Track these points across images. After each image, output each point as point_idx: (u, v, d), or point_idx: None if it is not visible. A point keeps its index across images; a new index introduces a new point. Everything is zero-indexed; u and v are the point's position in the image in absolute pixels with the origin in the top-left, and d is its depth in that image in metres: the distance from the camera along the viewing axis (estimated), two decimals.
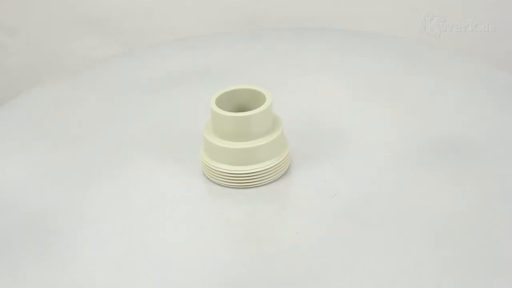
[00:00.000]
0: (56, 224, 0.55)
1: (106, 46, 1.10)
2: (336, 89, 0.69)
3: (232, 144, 0.55)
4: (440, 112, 0.64)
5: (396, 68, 0.72)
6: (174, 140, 0.62)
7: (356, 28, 1.01)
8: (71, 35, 1.11)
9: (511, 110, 0.65)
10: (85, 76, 0.76)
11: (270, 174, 0.56)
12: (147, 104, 0.69)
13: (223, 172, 0.56)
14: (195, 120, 0.63)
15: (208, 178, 0.57)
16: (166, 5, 1.08)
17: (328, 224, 0.53)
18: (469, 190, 0.55)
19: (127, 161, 0.60)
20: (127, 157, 0.61)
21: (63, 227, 0.54)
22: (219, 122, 0.55)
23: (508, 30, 1.05)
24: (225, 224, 0.54)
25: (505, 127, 0.63)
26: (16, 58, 1.13)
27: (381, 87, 0.69)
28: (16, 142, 0.65)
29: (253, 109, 0.56)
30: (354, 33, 0.81)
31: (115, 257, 0.51)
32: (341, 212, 0.54)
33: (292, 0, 1.07)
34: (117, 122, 0.66)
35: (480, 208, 0.54)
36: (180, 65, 0.76)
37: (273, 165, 0.56)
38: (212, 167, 0.56)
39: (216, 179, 0.57)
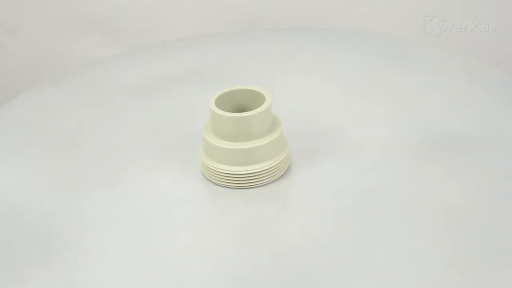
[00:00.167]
0: (59, 229, 0.54)
1: (106, 46, 1.10)
2: (335, 88, 0.69)
3: (232, 145, 0.55)
4: (435, 108, 0.65)
5: (393, 67, 0.72)
6: (174, 141, 0.62)
7: (356, 28, 1.01)
8: (71, 35, 1.11)
9: (505, 104, 0.65)
10: (84, 77, 0.76)
11: (270, 174, 0.56)
12: (146, 104, 0.69)
13: (223, 173, 0.56)
14: (194, 121, 0.63)
15: (207, 178, 0.57)
16: (166, 5, 1.08)
17: (334, 220, 0.53)
18: (469, 183, 0.56)
19: (126, 163, 0.60)
20: (127, 158, 0.61)
21: (66, 232, 0.54)
22: (218, 122, 0.55)
23: (508, 30, 1.05)
24: (230, 224, 0.54)
25: (499, 121, 0.63)
26: (16, 58, 1.13)
27: (378, 86, 0.69)
28: (14, 145, 0.65)
29: (253, 109, 0.56)
30: (353, 33, 0.82)
31: (121, 261, 0.51)
32: (345, 208, 0.54)
33: (292, 0, 1.07)
34: (116, 122, 0.66)
35: (481, 200, 0.54)
36: (179, 65, 0.76)
37: (273, 165, 0.56)
38: (211, 167, 0.56)
39: (216, 179, 0.57)
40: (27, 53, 1.13)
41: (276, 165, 0.56)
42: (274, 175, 0.57)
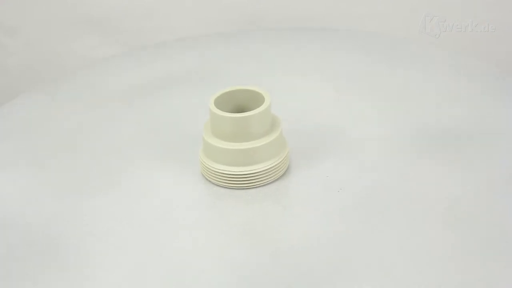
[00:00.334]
0: (62, 233, 0.54)
1: (106, 46, 1.10)
2: (333, 88, 0.69)
3: (231, 145, 0.55)
4: (433, 106, 0.65)
5: (392, 67, 0.72)
6: (174, 141, 0.62)
7: (356, 28, 1.01)
8: (71, 35, 1.11)
9: (497, 98, 0.66)
10: (84, 77, 0.76)
11: (270, 174, 0.56)
12: (146, 104, 0.69)
13: (223, 173, 0.56)
14: (194, 121, 0.63)
15: (207, 179, 0.57)
16: (166, 5, 1.08)
17: (336, 219, 0.53)
18: (469, 180, 0.56)
19: (126, 164, 0.60)
20: (127, 159, 0.61)
21: (69, 236, 0.53)
22: (218, 122, 0.55)
23: (508, 30, 1.05)
24: (231, 225, 0.54)
25: (493, 115, 0.64)
26: (16, 58, 1.13)
27: (378, 85, 0.69)
28: (13, 145, 0.64)
29: (252, 109, 0.56)
30: (353, 33, 0.82)
31: (127, 264, 0.51)
32: (347, 207, 0.54)
33: (292, 0, 1.07)
34: (116, 122, 0.66)
35: (482, 196, 0.55)
36: (179, 65, 0.76)
37: (273, 165, 0.56)
38: (211, 168, 0.56)
39: (216, 180, 0.56)
40: (27, 53, 1.13)
41: (276, 165, 0.56)
42: (274, 175, 0.57)
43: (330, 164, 0.58)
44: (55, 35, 1.11)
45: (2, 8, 1.10)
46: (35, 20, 1.11)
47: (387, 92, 0.68)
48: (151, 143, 0.62)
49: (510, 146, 0.60)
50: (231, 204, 0.55)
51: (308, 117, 0.64)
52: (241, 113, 0.55)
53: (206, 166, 0.57)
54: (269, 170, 0.56)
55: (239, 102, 0.57)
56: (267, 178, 0.56)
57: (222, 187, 0.56)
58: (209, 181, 0.57)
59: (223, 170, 0.56)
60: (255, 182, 0.56)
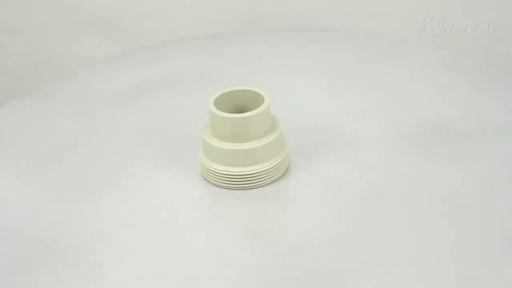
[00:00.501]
0: (68, 240, 0.53)
1: (106, 46, 1.10)
2: (334, 88, 0.69)
3: (231, 145, 0.55)
4: (430, 103, 0.66)
5: (392, 67, 0.72)
6: (173, 142, 0.62)
7: (356, 28, 1.01)
8: (71, 35, 1.11)
9: (497, 97, 0.67)
10: (83, 77, 0.76)
11: (270, 174, 0.56)
12: (146, 104, 0.69)
13: (222, 174, 0.56)
14: (194, 121, 0.63)
15: (206, 179, 0.57)
16: (166, 5, 1.08)
17: (341, 216, 0.53)
18: (468, 174, 0.56)
19: (126, 165, 0.60)
20: (127, 160, 0.61)
21: (76, 243, 0.53)
22: (217, 123, 0.55)
23: (508, 30, 1.05)
24: (236, 225, 0.53)
25: (492, 113, 0.64)
26: (16, 58, 1.13)
27: (378, 85, 0.69)
28: (13, 146, 0.64)
29: (252, 110, 0.55)
30: (353, 33, 0.81)
31: (137, 268, 0.50)
32: (351, 204, 0.54)
33: (292, 0, 1.07)
34: (116, 122, 0.66)
35: (483, 190, 0.55)
36: (179, 65, 0.76)
37: (273, 165, 0.56)
38: (211, 168, 0.56)
39: (215, 180, 0.56)
40: (27, 53, 1.13)
41: (275, 165, 0.56)
42: (274, 176, 0.57)
43: (330, 164, 0.58)
44: (55, 35, 1.11)
45: (2, 8, 1.10)
46: (35, 20, 1.11)
47: (387, 92, 0.68)
48: (151, 144, 0.62)
49: (509, 144, 0.60)
50: (231, 204, 0.55)
51: (308, 117, 0.64)
52: (240, 114, 0.55)
53: (205, 167, 0.57)
54: (269, 171, 0.56)
55: (239, 103, 0.57)
56: (267, 179, 0.56)
57: (222, 187, 0.56)
58: (209, 181, 0.57)
59: (222, 170, 0.56)
60: (255, 182, 0.56)
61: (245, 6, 1.07)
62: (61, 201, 0.57)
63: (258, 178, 0.56)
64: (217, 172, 0.56)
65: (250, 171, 0.56)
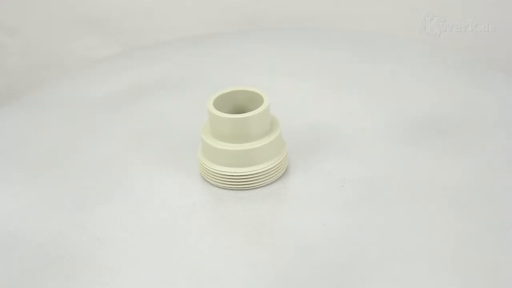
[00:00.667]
0: (73, 250, 0.52)
1: (106, 46, 1.10)
2: (334, 88, 0.69)
3: (231, 146, 0.55)
4: (427, 100, 0.66)
5: (392, 67, 0.72)
6: (172, 142, 0.62)
7: (356, 28, 1.01)
8: (71, 35, 1.11)
9: (478, 86, 0.68)
10: (83, 77, 0.76)
11: (270, 175, 0.56)
12: (145, 104, 0.68)
13: (222, 174, 0.56)
14: (193, 122, 0.63)
15: (206, 180, 0.57)
16: (166, 5, 1.08)
17: (350, 210, 0.54)
18: (465, 162, 0.57)
19: (126, 168, 0.60)
20: (126, 163, 0.60)
21: (82, 252, 0.52)
22: (217, 123, 0.55)
23: (508, 30, 1.05)
24: (246, 225, 0.53)
25: (476, 101, 0.65)
26: (16, 58, 1.13)
27: (378, 85, 0.69)
28: (5, 161, 0.63)
29: (251, 110, 0.55)
30: (353, 33, 0.81)
31: (147, 272, 0.50)
32: (357, 198, 0.54)
33: (292, 0, 1.07)
34: (116, 122, 0.66)
35: (482, 177, 0.56)
36: (179, 65, 0.76)
37: (273, 165, 0.56)
38: (210, 169, 0.56)
39: (215, 181, 0.56)
40: (27, 53, 1.13)
41: (275, 165, 0.56)
42: (274, 176, 0.57)
43: (330, 162, 0.58)
44: (55, 35, 1.11)
45: (2, 8, 1.10)
46: (35, 20, 1.11)
47: (387, 92, 0.68)
48: (150, 145, 0.62)
49: (507, 136, 0.61)
50: (234, 205, 0.55)
51: (307, 117, 0.64)
52: (240, 114, 0.55)
53: (205, 168, 0.57)
54: (269, 171, 0.56)
55: (238, 103, 0.57)
56: (267, 179, 0.56)
57: (222, 188, 0.56)
58: (208, 182, 0.57)
59: (222, 171, 0.56)
60: (255, 182, 0.56)
61: (245, 6, 1.07)
62: (61, 207, 0.56)
63: (259, 178, 0.56)
64: (217, 173, 0.56)
65: (250, 171, 0.56)
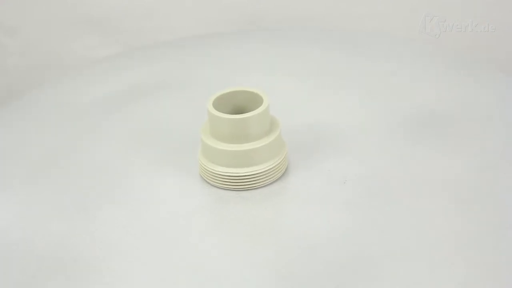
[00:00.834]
0: (78, 255, 0.52)
1: (106, 46, 1.11)
2: (334, 88, 0.69)
3: (231, 146, 0.55)
4: (423, 98, 0.66)
5: (392, 67, 0.72)
6: (172, 143, 0.62)
7: (356, 28, 1.01)
8: (71, 35, 1.11)
9: (478, 85, 0.68)
10: (82, 78, 0.76)
11: (271, 174, 0.56)
12: (145, 105, 0.68)
13: (222, 175, 0.56)
14: (193, 122, 0.63)
15: (206, 180, 0.57)
16: (166, 5, 1.08)
17: (353, 208, 0.54)
18: (465, 161, 0.57)
19: (126, 167, 0.60)
20: (126, 164, 0.60)
21: (87, 257, 0.52)
22: (216, 124, 0.55)
23: (508, 30, 1.05)
24: (249, 225, 0.53)
25: (475, 101, 0.65)
26: (16, 58, 1.13)
27: (375, 84, 0.69)
28: (13, 146, 0.64)
29: (251, 110, 0.55)
30: (353, 33, 0.82)
31: (154, 275, 0.50)
32: (359, 195, 0.55)
33: (292, 0, 1.07)
34: (116, 122, 0.66)
35: (483, 176, 0.56)
36: (179, 65, 0.76)
37: (274, 165, 0.56)
38: (210, 170, 0.56)
39: (215, 181, 0.56)
40: (27, 53, 1.13)
41: (275, 166, 0.56)
42: (274, 176, 0.57)
43: (330, 161, 0.58)
44: (55, 35, 1.11)
45: (2, 8, 1.10)
46: (35, 20, 1.11)
47: (387, 91, 0.68)
48: (149, 146, 0.62)
49: (505, 131, 0.61)
50: (235, 205, 0.55)
51: (307, 117, 0.64)
52: (239, 115, 0.55)
53: (205, 168, 0.57)
54: (270, 171, 0.56)
55: (238, 103, 0.57)
56: (268, 179, 0.56)
57: (222, 188, 0.56)
58: (208, 183, 0.57)
59: (222, 171, 0.56)
60: (256, 183, 0.56)
61: (245, 6, 1.07)
62: (62, 208, 0.56)
63: (259, 179, 0.56)
64: (217, 174, 0.56)
65: (250, 172, 0.56)
